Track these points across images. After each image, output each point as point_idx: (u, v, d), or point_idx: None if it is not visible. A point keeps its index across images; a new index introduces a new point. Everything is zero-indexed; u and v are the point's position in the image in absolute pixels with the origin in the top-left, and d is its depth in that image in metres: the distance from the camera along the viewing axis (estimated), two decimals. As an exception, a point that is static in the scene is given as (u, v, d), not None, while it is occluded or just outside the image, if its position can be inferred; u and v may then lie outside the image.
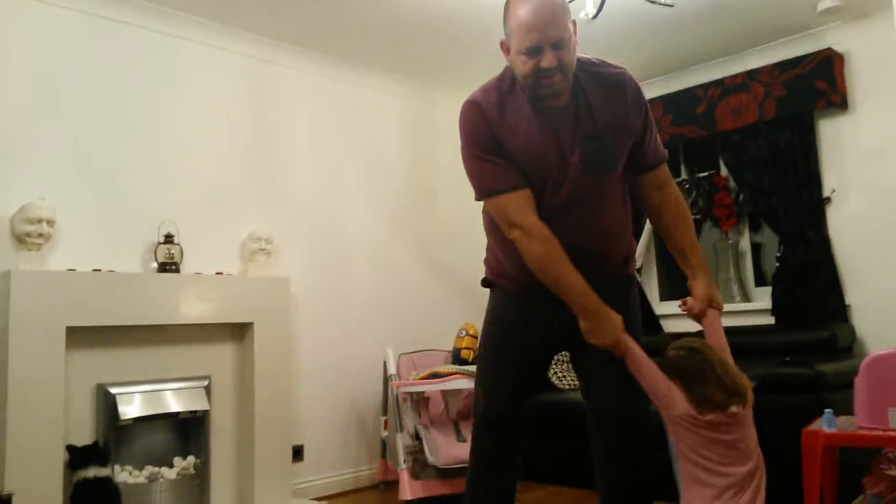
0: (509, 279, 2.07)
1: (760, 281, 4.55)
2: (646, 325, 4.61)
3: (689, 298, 2.07)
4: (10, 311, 2.94)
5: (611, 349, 1.86)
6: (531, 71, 1.81)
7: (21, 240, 3.06)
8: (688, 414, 1.77)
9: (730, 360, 1.88)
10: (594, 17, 3.26)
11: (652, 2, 3.14)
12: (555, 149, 1.88)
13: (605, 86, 1.92)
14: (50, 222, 3.09)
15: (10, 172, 3.16)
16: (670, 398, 1.80)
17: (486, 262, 2.20)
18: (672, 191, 2.07)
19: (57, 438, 3.01)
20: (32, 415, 2.94)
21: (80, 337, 3.16)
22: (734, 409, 1.78)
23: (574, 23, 1.87)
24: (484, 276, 2.21)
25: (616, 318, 1.86)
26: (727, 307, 4.37)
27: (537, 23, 1.77)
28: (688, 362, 1.81)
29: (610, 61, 2.00)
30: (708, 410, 1.76)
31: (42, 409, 2.97)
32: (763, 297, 4.38)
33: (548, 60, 1.78)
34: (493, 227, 2.03)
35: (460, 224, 4.95)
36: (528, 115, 1.88)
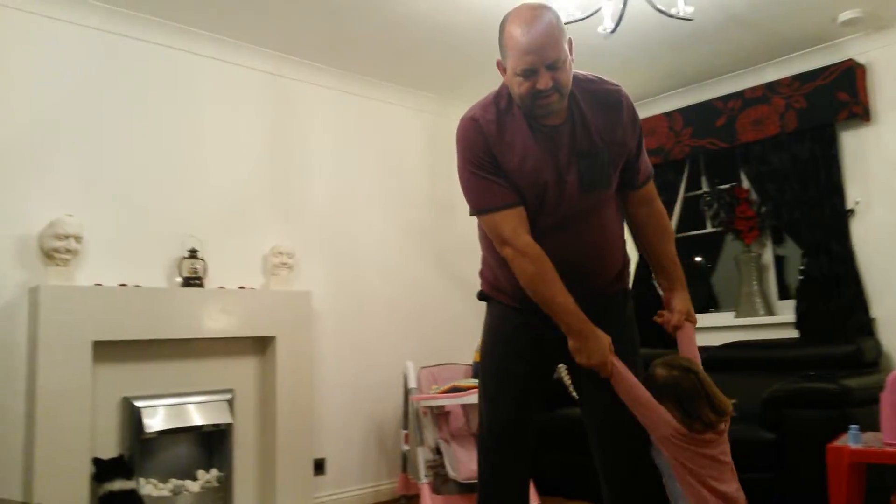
0: (504, 293, 2.08)
1: (784, 294, 4.50)
2: (667, 339, 4.63)
3: (665, 311, 2.10)
4: (39, 325, 3.01)
5: (596, 369, 1.86)
6: (527, 92, 1.81)
7: (49, 255, 3.12)
8: (678, 433, 1.78)
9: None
10: (612, 31, 3.27)
11: (670, 16, 3.14)
12: (551, 167, 1.89)
13: (602, 103, 1.92)
14: (77, 238, 3.16)
15: (39, 190, 3.24)
16: (657, 419, 1.80)
17: (482, 274, 2.19)
18: (658, 206, 2.10)
19: (83, 451, 3.05)
20: (60, 427, 3.00)
21: (106, 351, 3.22)
22: (722, 426, 1.82)
23: (570, 41, 1.86)
24: (480, 289, 2.20)
25: (604, 339, 1.85)
26: (751, 320, 4.38)
27: (532, 45, 1.77)
28: (682, 381, 1.82)
29: (605, 78, 2.00)
30: (701, 430, 1.78)
31: (69, 421, 3.02)
32: (786, 311, 4.34)
33: (543, 82, 1.78)
34: (488, 241, 2.04)
35: (475, 238, 4.97)
36: (525, 133, 1.89)
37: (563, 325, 1.87)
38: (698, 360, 1.95)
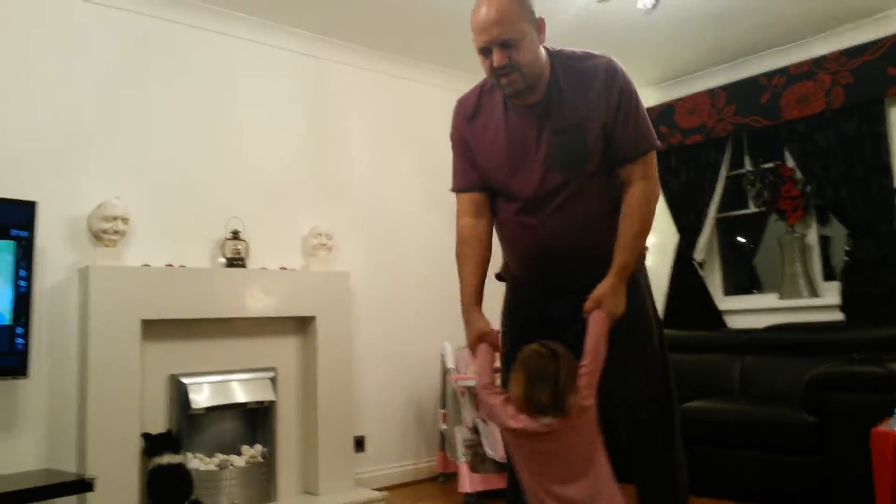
0: (511, 273, 2.17)
1: (829, 275, 4.41)
2: (709, 321, 4.59)
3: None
4: (90, 304, 3.10)
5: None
6: (489, 71, 1.86)
7: (98, 237, 3.21)
8: (505, 422, 1.75)
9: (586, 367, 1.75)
10: (653, 7, 3.22)
11: (714, -9, 3.07)
12: (520, 145, 1.91)
13: (581, 79, 1.89)
14: (124, 220, 3.24)
15: (87, 173, 3.32)
16: (495, 408, 1.79)
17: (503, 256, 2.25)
18: (635, 190, 1.92)
19: (133, 426, 3.15)
20: (111, 404, 3.10)
21: (153, 329, 3.31)
22: (548, 419, 1.69)
23: (540, 20, 1.85)
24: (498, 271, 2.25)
25: (472, 332, 1.97)
26: (795, 302, 4.31)
27: (484, 23, 1.79)
28: (541, 362, 1.72)
29: (596, 53, 1.95)
30: (527, 412, 1.71)
31: (120, 398, 3.12)
32: (831, 293, 4.26)
33: (497, 60, 1.79)
34: (497, 222, 2.09)
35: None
36: (500, 112, 1.95)
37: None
38: (594, 352, 1.76)
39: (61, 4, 3.33)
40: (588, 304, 1.83)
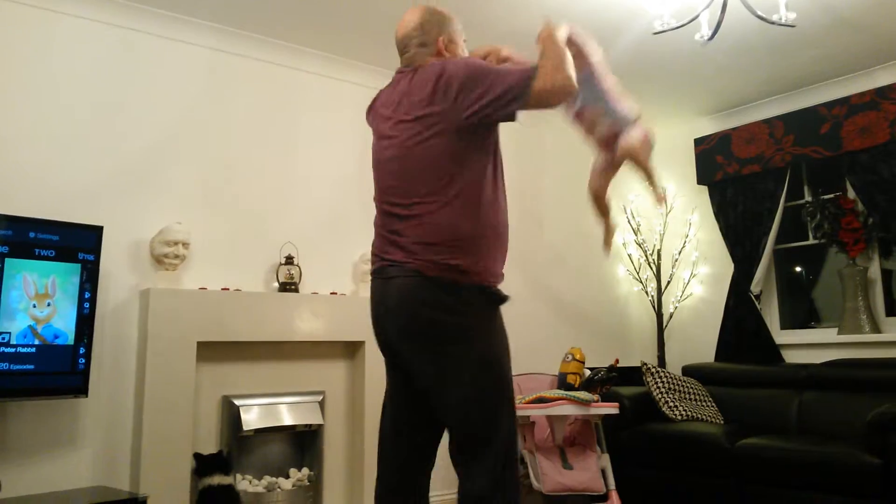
0: (496, 287, 1.99)
1: (891, 311, 4.25)
2: (765, 355, 4.46)
3: None
4: (149, 326, 3.20)
5: None
6: None
7: (159, 260, 3.32)
8: None
9: None
10: (710, 38, 3.19)
11: (772, 22, 3.03)
12: None
13: None
14: (185, 244, 3.35)
15: (151, 199, 3.45)
16: None
17: (478, 267, 1.92)
18: None
19: (186, 446, 3.23)
20: (165, 423, 3.18)
21: (208, 351, 3.39)
22: None
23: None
24: (492, 288, 1.93)
25: None
26: (855, 338, 4.18)
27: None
28: None
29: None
30: None
31: (174, 418, 3.20)
32: (894, 329, 4.10)
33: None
34: (483, 219, 1.89)
35: (567, 247, 4.94)
36: None
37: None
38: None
39: (139, 43, 3.49)
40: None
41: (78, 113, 3.31)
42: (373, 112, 2.20)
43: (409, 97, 1.96)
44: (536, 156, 4.95)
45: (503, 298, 1.92)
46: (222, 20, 3.65)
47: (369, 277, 3.92)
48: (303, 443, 3.72)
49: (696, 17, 3.14)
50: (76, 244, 3.00)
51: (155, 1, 3.44)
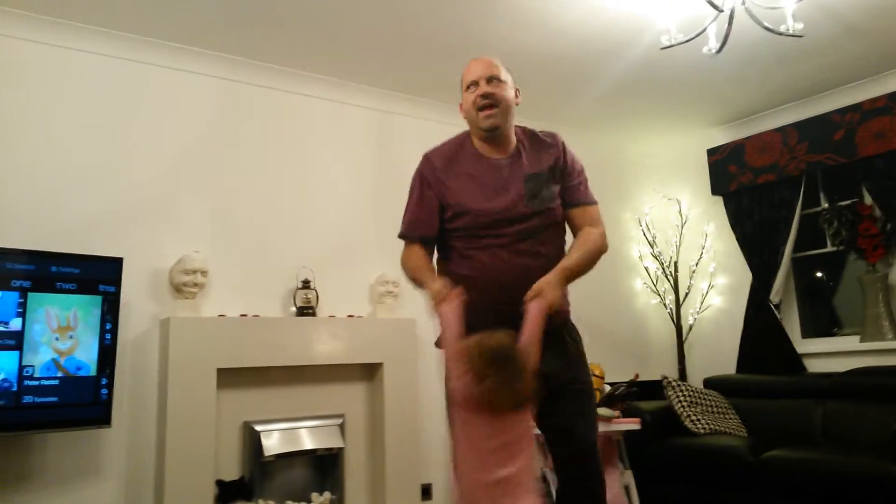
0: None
1: (915, 316, 4.20)
2: (787, 365, 4.41)
3: None
4: (170, 354, 3.23)
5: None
6: (472, 103, 2.18)
7: (178, 289, 3.36)
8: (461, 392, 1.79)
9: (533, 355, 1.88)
10: (718, 51, 3.20)
11: (779, 33, 3.03)
12: (499, 184, 2.17)
13: (539, 142, 2.28)
14: (203, 272, 3.38)
15: (169, 229, 3.50)
16: (451, 368, 1.86)
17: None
18: (598, 230, 2.25)
19: (208, 473, 3.25)
20: (188, 451, 3.20)
21: (228, 377, 3.42)
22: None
23: (517, 91, 2.25)
24: None
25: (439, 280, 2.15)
26: (878, 345, 4.12)
27: (479, 63, 2.23)
28: (497, 353, 1.78)
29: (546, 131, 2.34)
30: (503, 405, 1.77)
31: (196, 445, 3.22)
32: (919, 335, 4.05)
33: (482, 88, 2.16)
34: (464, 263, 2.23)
35: (584, 261, 4.92)
36: (476, 159, 2.22)
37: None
38: (531, 339, 1.91)
39: (151, 76, 3.56)
40: (529, 294, 2.01)
41: (92, 145, 3.37)
42: None
43: None
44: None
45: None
46: (230, 50, 3.71)
47: (386, 299, 3.97)
48: (324, 466, 3.73)
49: (704, 30, 3.15)
50: (97, 276, 3.04)
51: (163, 33, 3.50)
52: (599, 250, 2.21)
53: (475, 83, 2.19)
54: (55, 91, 3.32)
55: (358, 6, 3.31)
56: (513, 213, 2.14)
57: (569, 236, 2.30)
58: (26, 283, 2.86)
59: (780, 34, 3.03)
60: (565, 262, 2.12)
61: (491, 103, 2.15)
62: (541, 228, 2.17)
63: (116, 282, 3.09)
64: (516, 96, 2.25)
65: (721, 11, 2.94)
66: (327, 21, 3.43)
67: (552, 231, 2.22)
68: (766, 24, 3.01)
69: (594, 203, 2.30)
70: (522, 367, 1.81)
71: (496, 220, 2.14)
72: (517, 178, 2.18)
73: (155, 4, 3.22)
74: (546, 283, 2.03)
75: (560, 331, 2.16)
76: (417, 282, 2.25)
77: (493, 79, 2.18)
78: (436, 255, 2.33)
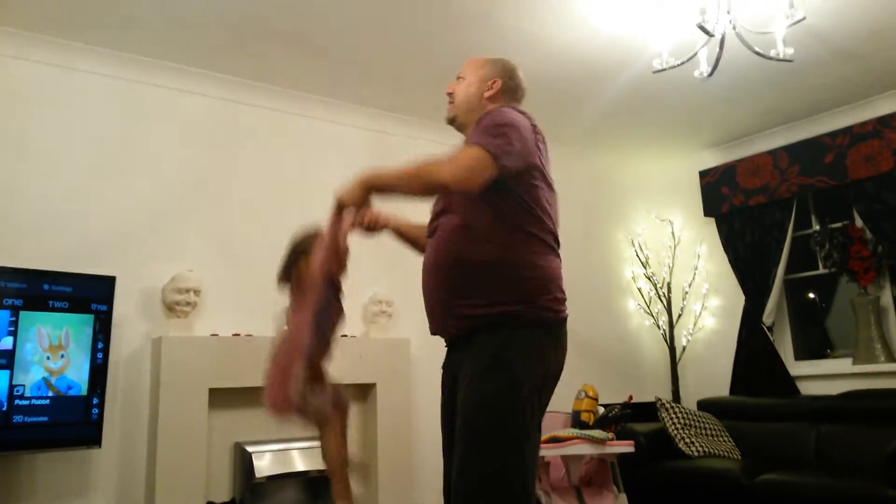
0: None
1: (907, 339, 4.21)
2: (780, 387, 4.41)
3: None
4: (161, 373, 3.21)
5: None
6: None
7: (171, 308, 3.35)
8: None
9: None
10: (709, 75, 3.23)
11: (770, 58, 3.07)
12: None
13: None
14: (196, 291, 3.37)
15: (163, 247, 3.49)
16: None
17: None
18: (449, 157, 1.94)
19: (199, 494, 3.21)
20: (178, 471, 3.17)
21: (220, 397, 3.39)
22: None
23: (494, 82, 2.09)
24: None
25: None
26: (871, 367, 4.14)
27: None
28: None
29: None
30: None
31: (187, 466, 3.19)
32: (911, 357, 4.06)
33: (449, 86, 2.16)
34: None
35: (577, 282, 4.93)
36: None
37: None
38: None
39: (149, 95, 3.57)
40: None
41: (88, 164, 3.37)
42: (543, 149, 1.99)
43: None
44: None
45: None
46: (230, 71, 3.74)
47: (380, 319, 3.96)
48: (316, 488, 3.69)
49: (695, 54, 3.19)
50: (89, 295, 3.03)
51: (164, 54, 3.53)
52: (432, 169, 1.81)
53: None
54: (56, 110, 3.33)
55: (357, 29, 3.34)
56: (436, 206, 2.04)
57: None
58: (18, 302, 2.85)
59: (771, 59, 3.07)
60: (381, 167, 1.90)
61: (449, 100, 2.15)
62: (452, 207, 1.93)
63: (109, 300, 3.08)
64: (489, 88, 2.08)
65: (712, 36, 2.98)
66: (327, 44, 3.47)
67: (459, 205, 1.92)
68: (757, 48, 3.05)
69: (476, 144, 1.82)
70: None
71: (433, 212, 2.07)
72: None
73: (156, 26, 3.25)
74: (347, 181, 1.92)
75: (478, 335, 1.82)
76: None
77: (458, 77, 2.18)
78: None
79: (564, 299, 1.92)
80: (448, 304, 1.91)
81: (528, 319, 1.81)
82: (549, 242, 1.91)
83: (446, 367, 1.99)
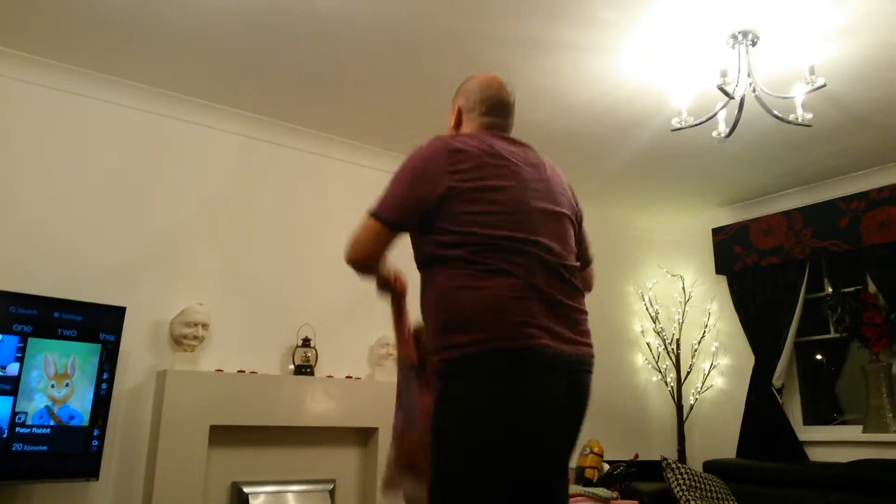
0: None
1: (920, 409, 4.14)
2: (788, 452, 4.33)
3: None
4: (164, 408, 3.18)
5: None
6: None
7: (178, 341, 3.33)
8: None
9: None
10: (727, 136, 3.25)
11: (788, 122, 3.09)
12: None
13: None
14: (205, 325, 3.36)
15: (173, 280, 3.49)
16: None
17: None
18: None
19: (193, 533, 3.15)
20: (174, 509, 3.11)
21: (220, 435, 3.35)
22: None
23: (457, 109, 2.11)
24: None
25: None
26: (881, 436, 4.06)
27: None
28: None
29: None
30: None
31: (183, 503, 3.13)
32: (924, 428, 3.99)
33: None
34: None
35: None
36: None
37: None
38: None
39: (173, 130, 3.62)
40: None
41: (105, 194, 3.40)
42: (493, 148, 1.92)
43: (552, 184, 1.94)
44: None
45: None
46: (253, 109, 3.78)
47: (385, 361, 3.92)
48: (311, 532, 3.62)
49: (714, 115, 3.21)
50: (98, 324, 3.02)
51: (188, 89, 3.58)
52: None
53: None
54: (71, 139, 3.36)
55: (376, 73, 3.39)
56: None
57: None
58: (28, 328, 2.84)
59: (789, 122, 3.09)
60: None
61: None
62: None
63: (117, 331, 3.07)
64: (451, 120, 2.12)
65: (732, 98, 3.00)
66: (347, 85, 3.51)
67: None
68: (776, 112, 3.07)
69: (368, 214, 1.84)
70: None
71: None
72: None
73: (182, 62, 3.30)
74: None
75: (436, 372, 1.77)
76: None
77: None
78: None
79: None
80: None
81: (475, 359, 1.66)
82: (489, 262, 1.68)
83: None
